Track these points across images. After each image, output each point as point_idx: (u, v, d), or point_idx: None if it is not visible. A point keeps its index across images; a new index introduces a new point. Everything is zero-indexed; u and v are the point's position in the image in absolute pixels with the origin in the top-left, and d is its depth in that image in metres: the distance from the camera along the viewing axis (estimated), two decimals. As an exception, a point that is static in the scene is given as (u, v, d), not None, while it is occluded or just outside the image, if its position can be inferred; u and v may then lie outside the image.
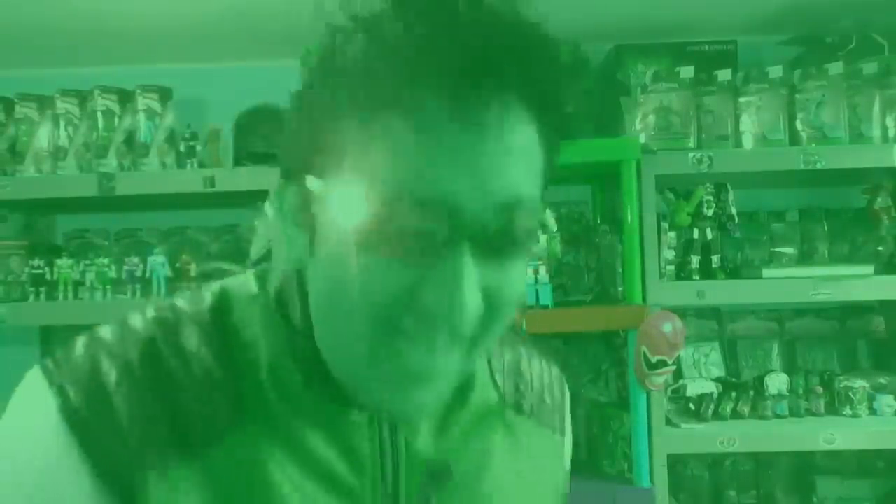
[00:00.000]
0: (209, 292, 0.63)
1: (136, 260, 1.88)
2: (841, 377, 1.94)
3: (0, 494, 0.54)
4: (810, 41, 2.03)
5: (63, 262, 1.89)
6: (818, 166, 1.78)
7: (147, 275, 1.87)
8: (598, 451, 1.87)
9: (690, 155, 1.79)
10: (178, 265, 1.90)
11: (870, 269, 1.82)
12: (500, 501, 0.66)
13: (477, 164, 0.49)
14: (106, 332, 0.60)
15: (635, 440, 1.73)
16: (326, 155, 0.53)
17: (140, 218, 2.18)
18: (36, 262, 1.89)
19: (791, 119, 1.88)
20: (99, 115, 1.91)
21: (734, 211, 1.88)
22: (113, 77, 1.98)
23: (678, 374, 2.01)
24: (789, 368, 2.07)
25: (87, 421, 0.54)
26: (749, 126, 1.88)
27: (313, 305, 0.58)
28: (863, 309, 2.14)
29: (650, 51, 2.03)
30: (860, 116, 1.86)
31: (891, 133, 1.86)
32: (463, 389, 0.65)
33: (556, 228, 1.76)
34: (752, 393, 1.92)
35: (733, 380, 2.01)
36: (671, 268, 1.84)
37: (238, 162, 1.89)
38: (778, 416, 1.90)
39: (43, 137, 1.94)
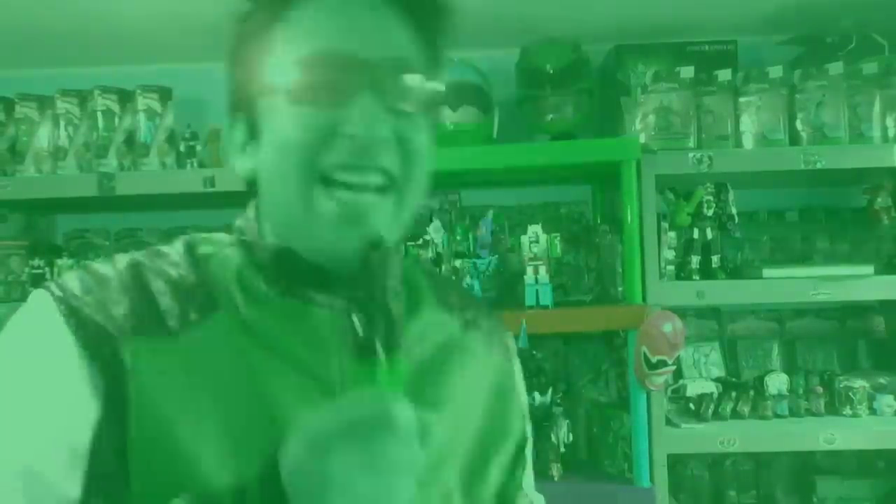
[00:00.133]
0: (180, 239, 0.76)
1: (136, 260, 1.88)
2: (841, 377, 1.94)
3: (5, 370, 0.65)
4: (810, 41, 2.03)
5: (63, 262, 1.89)
6: (818, 166, 1.78)
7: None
8: (598, 451, 1.88)
9: (690, 155, 1.80)
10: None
11: (870, 269, 1.82)
12: (453, 398, 0.75)
13: (366, 30, 0.67)
14: (95, 262, 0.72)
15: (635, 440, 1.73)
16: (258, 60, 0.68)
17: (140, 218, 2.18)
18: (36, 262, 1.90)
19: (791, 119, 1.88)
20: (99, 115, 1.91)
21: (734, 211, 1.88)
22: (113, 77, 1.98)
23: (678, 374, 2.01)
24: (789, 368, 2.07)
25: (76, 307, 0.65)
26: (749, 126, 1.88)
27: (263, 197, 0.72)
28: (863, 309, 2.14)
29: (650, 51, 2.03)
30: (860, 116, 1.86)
31: (891, 133, 1.86)
32: (411, 306, 0.76)
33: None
34: (752, 393, 1.92)
35: (733, 380, 2.01)
36: (671, 268, 1.84)
37: (238, 162, 1.88)
38: (778, 416, 1.90)
39: (43, 137, 1.94)
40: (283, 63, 0.67)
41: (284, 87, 0.66)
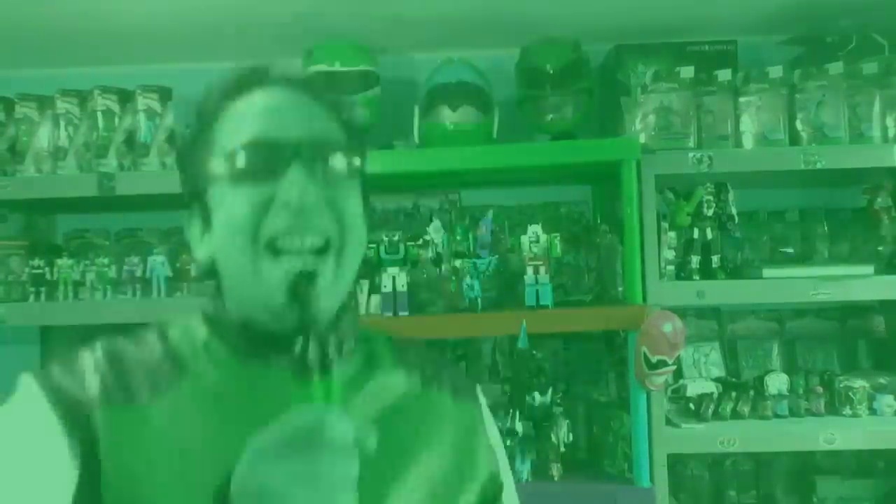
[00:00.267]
0: (154, 324, 0.85)
1: (136, 260, 1.88)
2: (841, 377, 1.94)
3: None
4: (810, 41, 2.04)
5: (63, 262, 1.89)
6: (818, 166, 1.78)
7: (147, 275, 1.87)
8: (599, 451, 1.88)
9: (690, 155, 1.80)
10: (178, 265, 1.90)
11: (870, 269, 1.82)
12: (408, 463, 0.79)
13: (289, 118, 0.78)
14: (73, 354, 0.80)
15: (635, 440, 1.73)
16: (202, 160, 0.79)
17: (140, 218, 2.18)
18: (36, 262, 1.89)
19: (791, 119, 1.88)
20: (99, 115, 1.91)
21: (734, 211, 1.89)
22: (113, 77, 1.98)
23: (678, 374, 2.01)
24: (789, 368, 2.07)
25: (56, 383, 0.74)
26: (749, 126, 1.88)
27: (221, 273, 0.80)
28: (863, 309, 2.14)
29: (650, 51, 2.03)
30: (860, 116, 1.86)
31: (891, 133, 1.86)
32: (367, 366, 0.84)
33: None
34: (752, 393, 1.92)
35: (733, 380, 2.01)
36: (671, 268, 1.84)
37: (238, 162, 1.88)
38: (778, 416, 1.90)
39: (43, 137, 1.94)
40: (223, 155, 0.77)
41: (227, 174, 0.76)
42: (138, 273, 1.88)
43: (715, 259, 1.88)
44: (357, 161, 0.81)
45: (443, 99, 1.84)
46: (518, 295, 1.78)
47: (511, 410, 1.72)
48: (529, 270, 1.75)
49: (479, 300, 1.76)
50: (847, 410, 1.89)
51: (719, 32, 2.07)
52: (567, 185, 2.19)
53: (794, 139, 1.88)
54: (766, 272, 1.83)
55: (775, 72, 1.87)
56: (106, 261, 1.89)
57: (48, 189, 1.89)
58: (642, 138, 1.83)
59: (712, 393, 1.90)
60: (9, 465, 0.70)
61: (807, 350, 2.15)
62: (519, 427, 1.70)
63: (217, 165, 0.77)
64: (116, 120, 1.91)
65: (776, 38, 2.09)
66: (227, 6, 1.85)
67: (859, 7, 1.92)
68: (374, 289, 1.78)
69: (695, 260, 1.86)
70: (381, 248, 1.79)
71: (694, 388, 1.92)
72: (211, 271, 0.82)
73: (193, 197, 0.82)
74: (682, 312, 1.72)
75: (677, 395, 1.93)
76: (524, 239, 1.78)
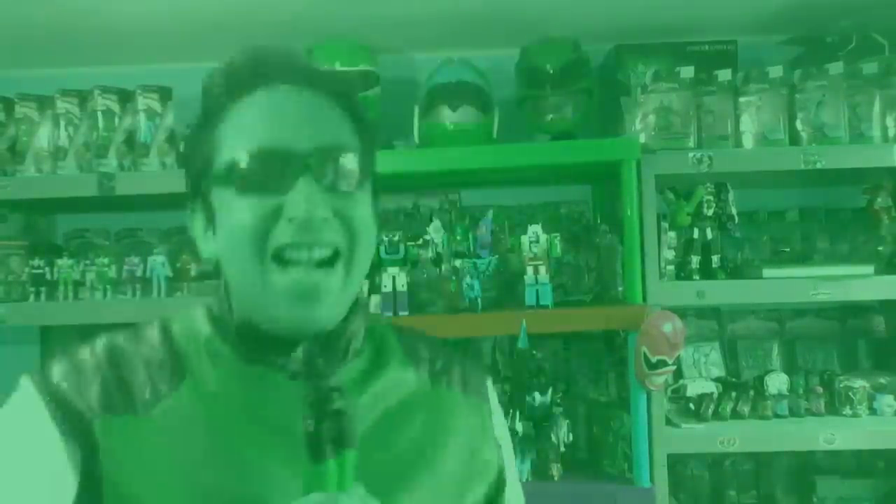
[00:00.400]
0: (157, 319, 0.83)
1: (136, 260, 1.88)
2: (841, 377, 1.94)
3: None
4: (810, 41, 2.04)
5: (63, 262, 1.89)
6: (818, 166, 1.78)
7: (147, 274, 1.87)
8: (599, 451, 1.88)
9: (690, 155, 1.79)
10: (178, 265, 1.90)
11: (870, 269, 1.82)
12: (416, 460, 0.78)
13: (298, 124, 0.74)
14: (75, 348, 0.78)
15: (635, 440, 1.73)
16: (207, 158, 0.76)
17: (140, 218, 2.18)
18: (36, 261, 1.89)
19: (791, 119, 1.88)
20: (99, 115, 1.91)
21: (734, 211, 1.89)
22: (113, 77, 1.98)
23: (678, 374, 2.01)
24: (789, 368, 2.07)
25: (55, 388, 0.72)
26: (749, 126, 1.88)
27: (227, 278, 0.78)
28: (863, 309, 2.14)
29: (650, 51, 2.03)
30: (860, 116, 1.86)
31: (891, 133, 1.86)
32: (375, 365, 0.82)
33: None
34: (752, 393, 1.92)
35: (733, 380, 2.01)
36: (671, 268, 1.84)
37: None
38: (778, 416, 1.90)
39: (43, 137, 1.94)
40: (227, 160, 0.74)
41: (231, 180, 0.73)
42: (138, 273, 1.88)
43: (715, 259, 1.88)
44: (368, 163, 0.78)
45: (443, 99, 1.84)
46: (518, 295, 1.78)
47: (511, 410, 1.72)
48: (529, 270, 1.75)
49: (479, 300, 1.76)
50: (847, 410, 1.89)
51: (719, 32, 2.07)
52: (567, 185, 2.19)
53: (794, 139, 1.88)
54: (766, 272, 1.83)
55: (775, 72, 1.87)
56: (106, 261, 1.89)
57: (48, 189, 1.89)
58: (642, 138, 1.83)
59: (712, 393, 1.90)
60: (4, 475, 0.69)
61: (807, 350, 2.15)
62: (519, 427, 1.70)
63: (221, 169, 0.74)
64: (116, 120, 1.91)
65: (776, 38, 2.09)
66: (226, 6, 1.85)
67: (859, 7, 1.92)
68: (374, 289, 1.78)
69: (695, 260, 1.86)
70: (381, 248, 1.79)
71: (694, 388, 1.92)
72: (216, 270, 0.80)
73: (197, 193, 0.79)
74: (682, 312, 1.72)
75: (677, 395, 1.93)
76: (524, 239, 1.78)
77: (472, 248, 1.84)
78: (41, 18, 1.89)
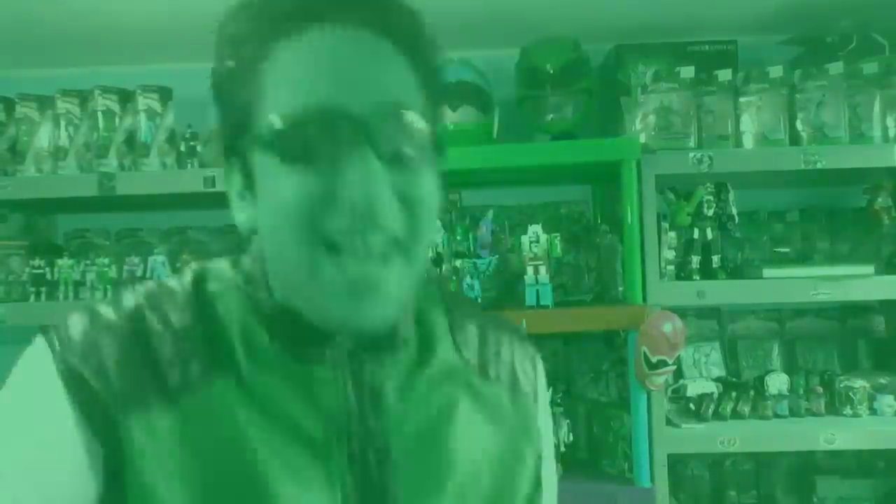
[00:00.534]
0: (190, 270, 0.71)
1: (136, 260, 1.89)
2: (841, 377, 1.94)
3: (3, 439, 0.63)
4: (810, 41, 2.03)
5: (63, 262, 1.89)
6: (818, 166, 1.78)
7: (147, 275, 1.87)
8: (599, 451, 1.88)
9: (690, 155, 1.80)
10: (178, 265, 1.90)
11: (870, 269, 1.82)
12: (463, 460, 0.70)
13: (353, 77, 0.61)
14: (99, 303, 0.68)
15: (635, 440, 1.73)
16: (245, 119, 0.63)
17: (140, 218, 2.18)
18: (36, 261, 1.89)
19: (791, 119, 1.88)
20: (99, 115, 1.91)
21: (734, 211, 1.89)
22: (113, 77, 1.98)
23: (678, 374, 2.01)
24: (789, 368, 2.07)
25: (76, 371, 0.61)
26: (749, 126, 1.88)
27: (268, 258, 0.67)
28: (863, 309, 2.14)
29: (650, 51, 2.03)
30: (860, 116, 1.86)
31: (891, 133, 1.86)
32: (424, 352, 0.72)
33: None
34: (752, 393, 1.92)
35: (733, 380, 2.01)
36: (671, 268, 1.84)
37: (238, 162, 1.89)
38: (778, 416, 1.90)
39: (43, 137, 1.94)
40: (268, 117, 0.61)
41: (273, 143, 0.60)
42: (138, 273, 1.88)
43: (715, 259, 1.88)
44: (435, 127, 0.65)
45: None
46: (518, 295, 1.78)
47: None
48: (529, 270, 1.75)
49: (479, 300, 1.76)
50: (847, 410, 1.89)
51: (719, 32, 2.07)
52: (567, 185, 2.19)
53: (795, 139, 1.88)
54: (766, 272, 1.83)
55: (775, 72, 1.87)
56: (106, 261, 1.89)
57: (48, 189, 1.89)
58: (642, 138, 1.83)
59: (712, 393, 1.90)
60: (14, 472, 0.61)
61: (807, 350, 2.15)
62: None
63: (261, 130, 0.61)
64: (117, 120, 1.91)
65: (776, 38, 2.09)
66: (227, 6, 1.85)
67: (859, 7, 1.92)
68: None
69: (695, 260, 1.86)
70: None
71: (694, 388, 1.91)
72: (251, 235, 0.69)
73: (232, 149, 0.66)
74: (682, 312, 1.72)
75: (677, 395, 1.93)
76: (524, 239, 1.78)
77: (472, 249, 1.84)
78: (41, 18, 1.89)
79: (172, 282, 0.70)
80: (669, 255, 1.83)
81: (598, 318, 1.77)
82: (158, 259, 1.87)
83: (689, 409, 1.91)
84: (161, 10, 1.87)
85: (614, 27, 2.05)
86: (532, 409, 0.78)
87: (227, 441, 0.63)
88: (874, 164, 1.82)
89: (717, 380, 1.97)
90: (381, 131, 0.60)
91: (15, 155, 1.95)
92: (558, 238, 1.83)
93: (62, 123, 1.93)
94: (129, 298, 0.67)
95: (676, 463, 1.95)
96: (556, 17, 1.97)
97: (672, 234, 1.83)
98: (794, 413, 1.90)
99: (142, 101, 1.90)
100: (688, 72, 1.87)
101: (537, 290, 1.73)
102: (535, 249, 1.76)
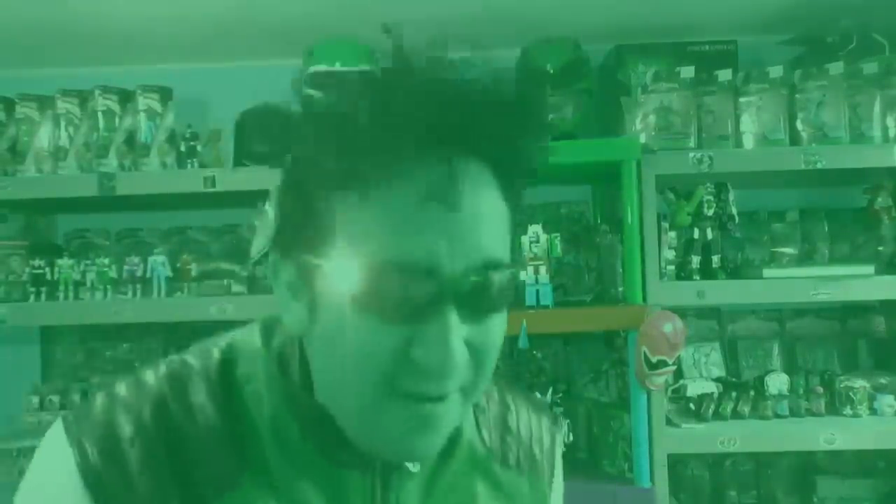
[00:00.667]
0: (217, 347, 0.67)
1: (136, 260, 1.88)
2: (841, 377, 1.94)
3: None
4: (810, 41, 2.03)
5: (63, 262, 1.89)
6: (818, 166, 1.78)
7: (147, 275, 1.87)
8: (599, 451, 1.88)
9: (691, 155, 1.79)
10: (178, 265, 1.90)
11: (870, 269, 1.82)
12: None
13: (452, 233, 0.56)
14: (122, 388, 0.64)
15: (635, 440, 1.73)
16: (316, 233, 0.58)
17: (140, 218, 2.18)
18: (36, 262, 1.89)
19: (791, 119, 1.88)
20: (99, 115, 1.91)
21: (734, 211, 1.89)
22: (113, 77, 1.98)
23: (678, 374, 2.01)
24: (790, 368, 2.07)
25: (102, 478, 0.58)
26: (749, 126, 1.88)
27: (315, 367, 0.63)
28: (863, 309, 2.14)
29: (650, 51, 2.03)
30: (861, 116, 1.86)
31: (891, 133, 1.86)
32: (451, 444, 0.69)
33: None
34: (752, 393, 1.92)
35: (733, 380, 2.01)
36: (671, 268, 1.84)
37: (238, 162, 1.89)
38: (778, 416, 1.89)
39: (43, 137, 1.94)
40: (343, 263, 0.56)
41: (347, 286, 0.56)
42: (138, 273, 1.88)
43: (715, 259, 1.88)
44: (516, 272, 0.64)
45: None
46: (518, 295, 1.78)
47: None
48: (529, 270, 1.74)
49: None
50: (847, 410, 1.89)
51: (719, 32, 2.07)
52: (567, 185, 2.19)
53: (795, 139, 1.88)
54: (766, 272, 1.83)
55: (775, 72, 1.87)
56: (106, 261, 1.89)
57: (48, 189, 1.89)
58: (642, 138, 1.83)
59: (712, 393, 1.90)
60: None
61: (807, 350, 2.15)
62: (519, 427, 1.70)
63: (333, 269, 0.57)
64: (117, 120, 1.91)
65: (776, 38, 2.09)
66: (227, 6, 1.85)
67: (859, 7, 1.92)
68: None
69: (695, 260, 1.86)
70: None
71: (694, 388, 1.91)
72: (298, 342, 0.65)
73: (291, 256, 0.61)
74: (682, 312, 1.72)
75: (677, 395, 1.93)
76: (524, 239, 1.78)
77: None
78: (41, 18, 1.89)
79: (198, 362, 0.66)
80: (669, 255, 1.83)
81: (598, 319, 1.77)
82: (158, 259, 1.87)
83: (689, 409, 1.91)
84: (161, 11, 1.87)
85: (614, 27, 2.05)
86: (546, 491, 0.79)
87: None
88: (874, 164, 1.82)
89: (717, 380, 1.97)
90: (468, 293, 0.57)
91: (15, 155, 1.95)
92: (558, 238, 1.83)
93: (62, 123, 1.93)
94: (152, 387, 0.63)
95: (676, 463, 1.94)
96: (556, 17, 1.97)
97: (672, 234, 1.83)
98: (794, 413, 1.90)
99: (142, 101, 1.91)
100: (688, 72, 1.87)
101: (537, 291, 1.73)
102: (535, 249, 1.76)
